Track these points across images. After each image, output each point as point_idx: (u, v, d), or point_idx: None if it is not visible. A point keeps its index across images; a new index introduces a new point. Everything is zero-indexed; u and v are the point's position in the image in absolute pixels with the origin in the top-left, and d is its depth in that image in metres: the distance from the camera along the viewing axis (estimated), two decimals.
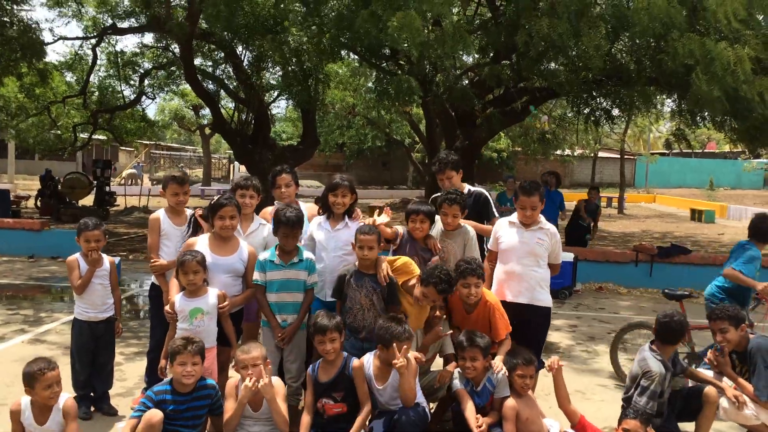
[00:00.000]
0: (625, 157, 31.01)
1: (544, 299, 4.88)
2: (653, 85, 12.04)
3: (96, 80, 20.35)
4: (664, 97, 14.21)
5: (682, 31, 9.26)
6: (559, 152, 33.39)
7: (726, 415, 4.62)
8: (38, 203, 19.55)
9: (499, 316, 4.59)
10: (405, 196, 32.67)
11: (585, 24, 9.87)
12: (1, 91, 19.55)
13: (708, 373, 4.83)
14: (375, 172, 44.17)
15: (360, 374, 4.30)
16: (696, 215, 25.93)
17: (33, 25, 14.57)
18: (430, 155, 17.23)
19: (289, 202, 5.09)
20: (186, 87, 24.52)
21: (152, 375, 4.94)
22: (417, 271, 4.62)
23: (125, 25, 16.74)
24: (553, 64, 11.86)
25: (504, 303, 4.73)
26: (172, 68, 19.28)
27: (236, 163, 38.51)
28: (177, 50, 17.46)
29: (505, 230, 4.95)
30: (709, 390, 4.53)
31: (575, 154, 36.67)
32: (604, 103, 13.79)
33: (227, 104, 21.04)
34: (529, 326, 4.82)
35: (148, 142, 40.95)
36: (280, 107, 58.02)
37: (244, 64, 16.19)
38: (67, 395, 4.03)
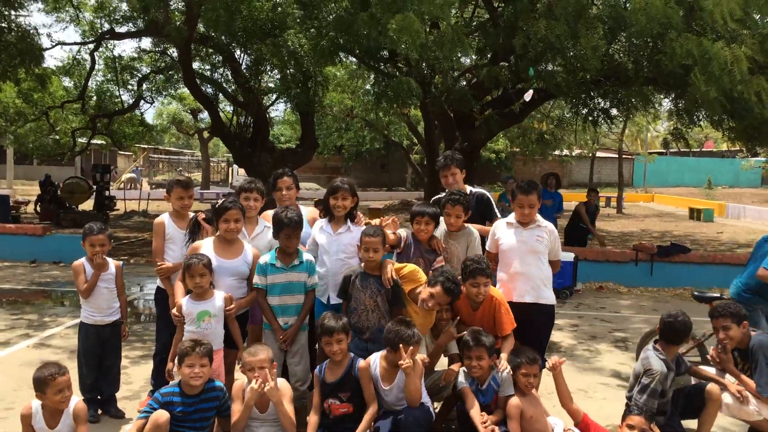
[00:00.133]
0: (623, 156, 31.09)
1: (549, 297, 4.93)
2: (651, 85, 12.10)
3: (94, 85, 20.41)
4: (662, 96, 14.27)
5: (680, 31, 9.32)
6: (557, 152, 33.46)
7: (729, 411, 4.67)
8: (38, 208, 19.55)
9: (505, 312, 4.65)
10: (404, 197, 32.76)
11: (582, 25, 9.93)
12: (1, 96, 19.59)
13: (710, 370, 4.87)
14: (373, 174, 44.24)
15: (366, 375, 4.34)
16: (694, 214, 25.99)
17: (31, 31, 14.63)
18: (429, 157, 17.28)
19: (289, 205, 5.11)
20: (184, 91, 24.62)
21: (159, 378, 4.98)
22: (424, 278, 4.65)
23: (123, 29, 16.79)
24: (551, 66, 11.91)
25: (509, 304, 4.77)
26: (171, 72, 19.33)
27: (235, 166, 38.62)
28: (175, 54, 17.52)
29: (503, 231, 5.00)
30: (712, 387, 4.57)
31: (573, 154, 36.73)
32: (602, 104, 13.86)
33: (226, 108, 21.08)
34: (533, 326, 4.86)
35: (146, 147, 40.96)
36: (279, 110, 58.13)
37: (243, 68, 16.24)
38: (77, 399, 4.07)
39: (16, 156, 33.46)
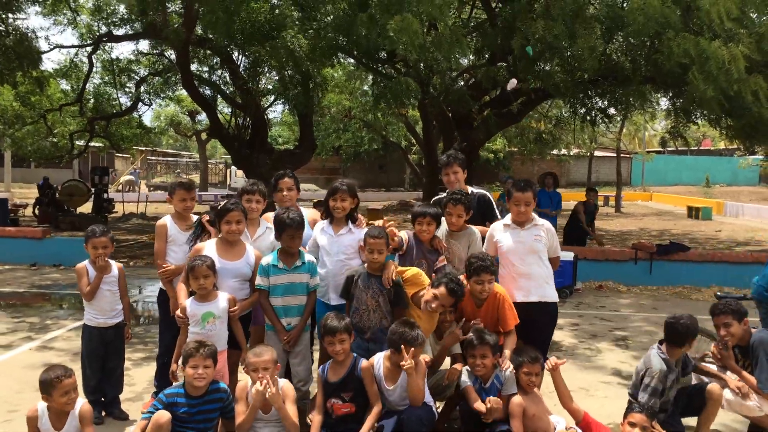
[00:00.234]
0: (621, 155, 31.14)
1: (553, 294, 4.98)
2: (649, 84, 12.15)
3: (91, 88, 20.39)
4: (660, 95, 14.32)
5: (677, 30, 9.35)
6: (555, 152, 33.49)
7: (730, 407, 4.70)
8: (36, 211, 19.53)
9: (508, 307, 4.68)
10: (402, 198, 32.79)
11: (580, 25, 9.97)
12: None
13: (713, 367, 4.90)
14: (372, 174, 44.25)
15: (369, 374, 4.36)
16: (693, 212, 26.04)
17: (29, 34, 14.63)
18: (427, 157, 17.31)
19: (291, 207, 5.14)
20: (182, 93, 24.61)
21: (162, 379, 5.01)
22: (426, 281, 4.67)
23: (120, 32, 16.80)
24: (548, 66, 11.95)
25: (513, 304, 4.80)
26: (169, 74, 19.34)
27: (233, 168, 38.67)
28: (173, 56, 17.54)
29: (501, 234, 5.03)
30: (713, 387, 4.59)
31: (571, 153, 36.77)
32: (600, 103, 13.90)
33: (224, 109, 21.10)
34: (537, 324, 4.89)
35: (144, 149, 40.95)
36: (276, 111, 58.14)
37: (241, 70, 16.27)
38: (82, 401, 4.09)
39: (13, 159, 33.44)
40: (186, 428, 4.12)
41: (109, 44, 18.85)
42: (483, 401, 4.34)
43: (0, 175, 34.13)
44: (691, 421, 4.73)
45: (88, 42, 17.93)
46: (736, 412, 4.79)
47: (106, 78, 20.63)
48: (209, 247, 4.76)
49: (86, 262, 5.01)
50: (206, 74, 18.53)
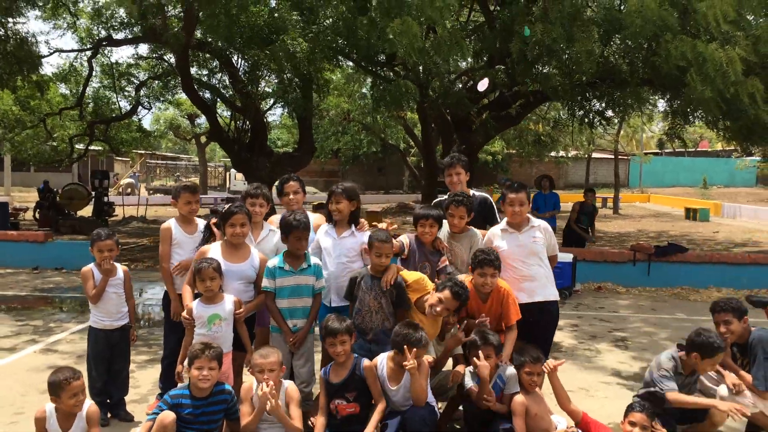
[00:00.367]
0: (619, 157, 31.24)
1: (555, 294, 5.07)
2: (646, 86, 12.23)
3: (91, 91, 20.42)
4: (657, 97, 14.40)
5: (675, 32, 9.42)
6: (553, 154, 33.59)
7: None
8: (36, 215, 19.57)
9: (512, 302, 4.76)
10: (401, 200, 32.85)
11: (578, 28, 10.03)
12: None
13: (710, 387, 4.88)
14: (371, 177, 44.34)
15: (372, 374, 4.42)
16: (691, 214, 26.12)
17: (30, 38, 14.68)
18: (426, 160, 17.40)
19: (296, 209, 5.21)
20: (181, 96, 24.67)
21: (167, 381, 5.06)
22: (430, 286, 4.72)
23: (120, 36, 16.84)
24: (546, 68, 12.01)
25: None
26: (168, 78, 19.39)
27: (232, 171, 38.74)
28: (172, 60, 17.59)
29: (499, 240, 5.08)
30: (716, 411, 4.52)
31: (569, 155, 36.88)
32: (598, 105, 13.98)
33: (223, 113, 21.15)
34: (540, 324, 4.96)
35: (143, 152, 41.00)
36: (276, 114, 58.15)
37: (241, 73, 16.32)
38: (90, 402, 4.14)
39: (13, 163, 33.48)
40: (191, 429, 4.17)
41: (108, 48, 18.88)
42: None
43: (0, 178, 34.17)
44: None
45: (88, 46, 17.95)
46: None
47: (106, 82, 20.66)
48: (214, 250, 4.83)
49: (92, 265, 5.06)
50: (206, 78, 18.56)
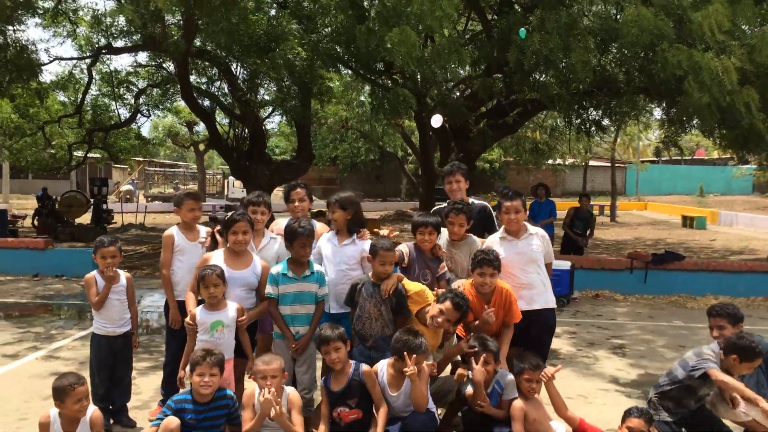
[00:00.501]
0: (616, 165, 31.35)
1: (552, 300, 5.13)
2: (642, 95, 12.31)
3: (89, 99, 20.47)
4: (653, 106, 14.49)
5: (671, 42, 9.51)
6: (550, 162, 33.71)
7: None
8: (35, 222, 19.59)
9: (514, 301, 4.85)
10: (399, 208, 32.90)
11: (574, 38, 10.11)
12: None
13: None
14: (368, 185, 44.40)
15: (371, 378, 4.47)
16: (687, 222, 26.21)
17: (29, 46, 14.74)
18: (424, 167, 17.45)
19: (301, 217, 5.27)
20: (180, 104, 24.74)
21: (169, 387, 5.11)
22: (431, 298, 4.77)
23: (120, 44, 16.91)
24: (544, 77, 12.10)
25: None
26: (167, 86, 19.46)
27: (230, 178, 38.77)
28: (171, 68, 17.67)
29: (497, 246, 5.13)
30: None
31: (566, 163, 37.01)
32: (595, 114, 14.07)
33: (222, 121, 21.21)
34: (538, 331, 5.03)
35: (141, 159, 41.05)
36: (274, 122, 58.26)
37: (239, 81, 16.40)
38: (93, 407, 4.18)
39: (11, 170, 33.50)
40: None
41: (108, 56, 18.94)
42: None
43: None
44: None
45: (88, 54, 18.02)
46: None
47: (105, 90, 20.72)
48: (217, 257, 4.88)
49: (95, 272, 5.11)
50: (205, 86, 18.63)
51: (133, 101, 20.04)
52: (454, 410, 4.88)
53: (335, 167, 42.82)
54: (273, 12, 14.59)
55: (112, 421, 5.10)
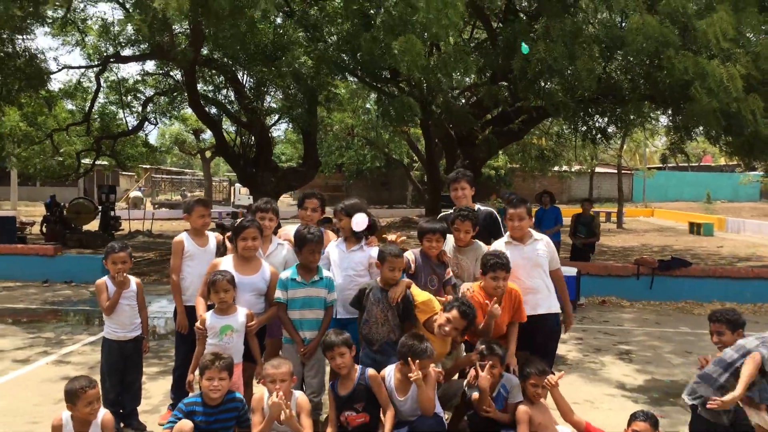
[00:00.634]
0: (623, 172, 31.32)
1: (556, 305, 5.16)
2: (648, 102, 12.34)
3: (97, 107, 20.62)
4: (659, 113, 14.51)
5: (676, 49, 9.55)
6: (556, 168, 33.69)
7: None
8: (43, 229, 19.71)
9: (521, 301, 4.89)
10: (405, 215, 32.93)
11: (579, 46, 10.16)
12: (6, 119, 19.83)
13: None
14: (374, 191, 44.41)
15: (377, 382, 4.52)
16: (694, 228, 26.12)
17: (38, 55, 14.89)
18: (429, 174, 17.51)
19: (310, 225, 5.33)
20: (186, 111, 24.89)
21: (179, 391, 5.17)
22: (438, 307, 4.80)
23: (128, 53, 17.05)
24: (549, 84, 12.15)
25: None
26: (174, 94, 19.59)
27: (237, 185, 38.91)
28: (179, 76, 17.80)
29: (503, 251, 5.16)
30: None
31: (573, 170, 36.98)
32: (600, 121, 14.09)
33: (229, 128, 21.33)
34: (544, 336, 5.06)
35: (148, 167, 41.26)
36: (280, 129, 58.47)
37: (246, 89, 16.51)
38: (105, 411, 4.24)
39: (19, 177, 33.73)
40: None
41: (116, 64, 19.09)
42: None
43: (6, 193, 34.41)
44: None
45: (96, 63, 18.17)
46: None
47: (113, 97, 20.88)
48: (226, 263, 4.95)
49: (106, 278, 5.18)
50: (212, 93, 18.76)
51: (140, 109, 20.17)
52: (460, 414, 4.92)
53: (341, 174, 42.89)
54: (279, 20, 14.72)
55: (122, 425, 5.16)
